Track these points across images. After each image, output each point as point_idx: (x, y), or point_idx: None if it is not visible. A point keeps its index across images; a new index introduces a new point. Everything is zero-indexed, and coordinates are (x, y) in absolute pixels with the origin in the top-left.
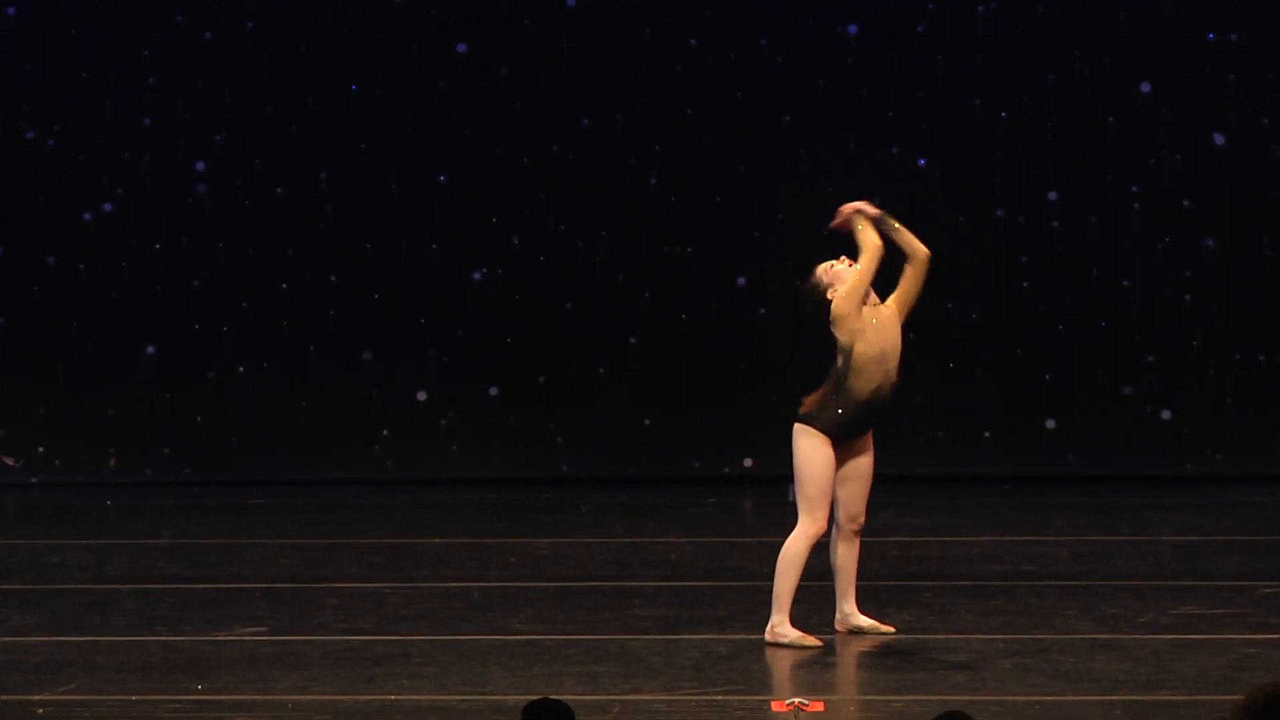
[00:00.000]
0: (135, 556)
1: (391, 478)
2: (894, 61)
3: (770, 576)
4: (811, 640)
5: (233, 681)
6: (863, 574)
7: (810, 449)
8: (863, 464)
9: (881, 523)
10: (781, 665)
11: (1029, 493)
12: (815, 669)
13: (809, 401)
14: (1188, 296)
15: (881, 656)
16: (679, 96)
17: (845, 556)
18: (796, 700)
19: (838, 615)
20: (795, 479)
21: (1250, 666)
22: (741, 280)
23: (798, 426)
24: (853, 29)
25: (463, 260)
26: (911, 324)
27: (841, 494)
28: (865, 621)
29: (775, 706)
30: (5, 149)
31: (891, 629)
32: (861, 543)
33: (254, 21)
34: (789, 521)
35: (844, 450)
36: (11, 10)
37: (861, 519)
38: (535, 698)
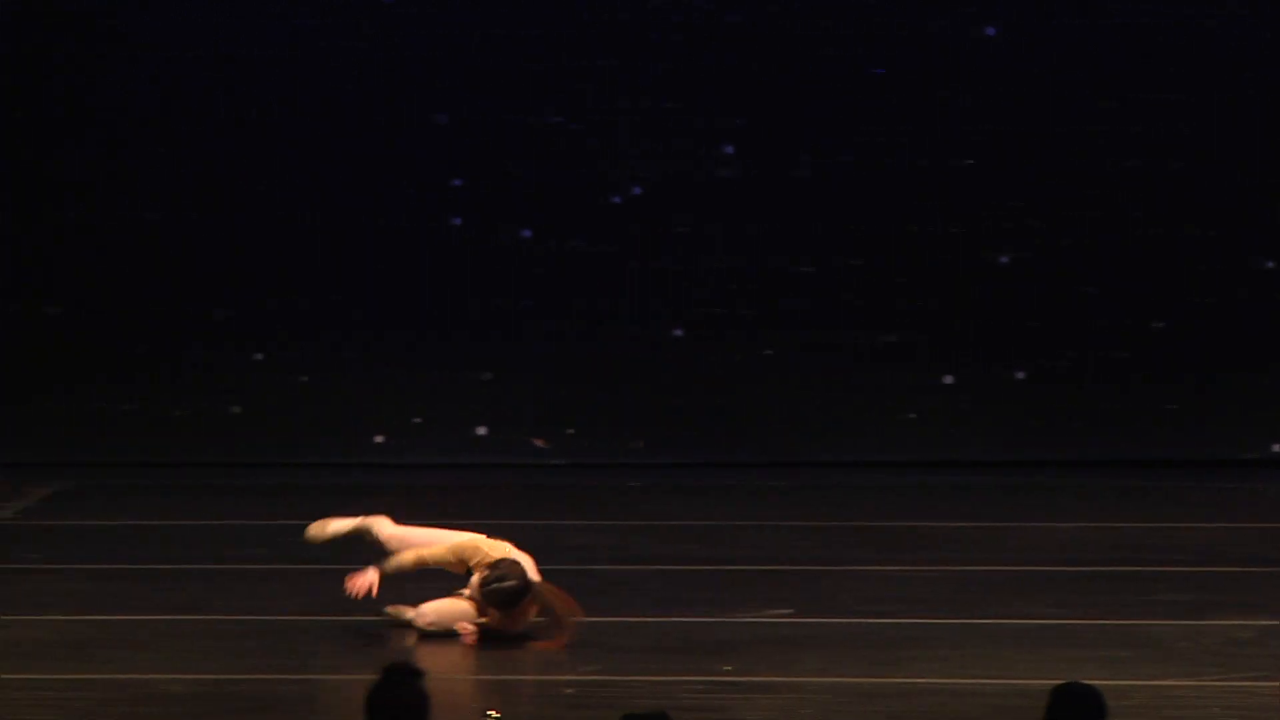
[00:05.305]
0: (660, 537)
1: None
2: None
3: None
4: None
5: (756, 662)
6: None
7: None
8: None
9: None
10: None
11: None
12: None
13: None
14: None
15: None
16: None
17: None
18: None
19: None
20: None
21: None
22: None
23: None
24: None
25: None
26: None
27: None
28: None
29: None
30: (532, 134)
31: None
32: None
33: None
34: None
35: None
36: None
37: None
38: (1060, 682)
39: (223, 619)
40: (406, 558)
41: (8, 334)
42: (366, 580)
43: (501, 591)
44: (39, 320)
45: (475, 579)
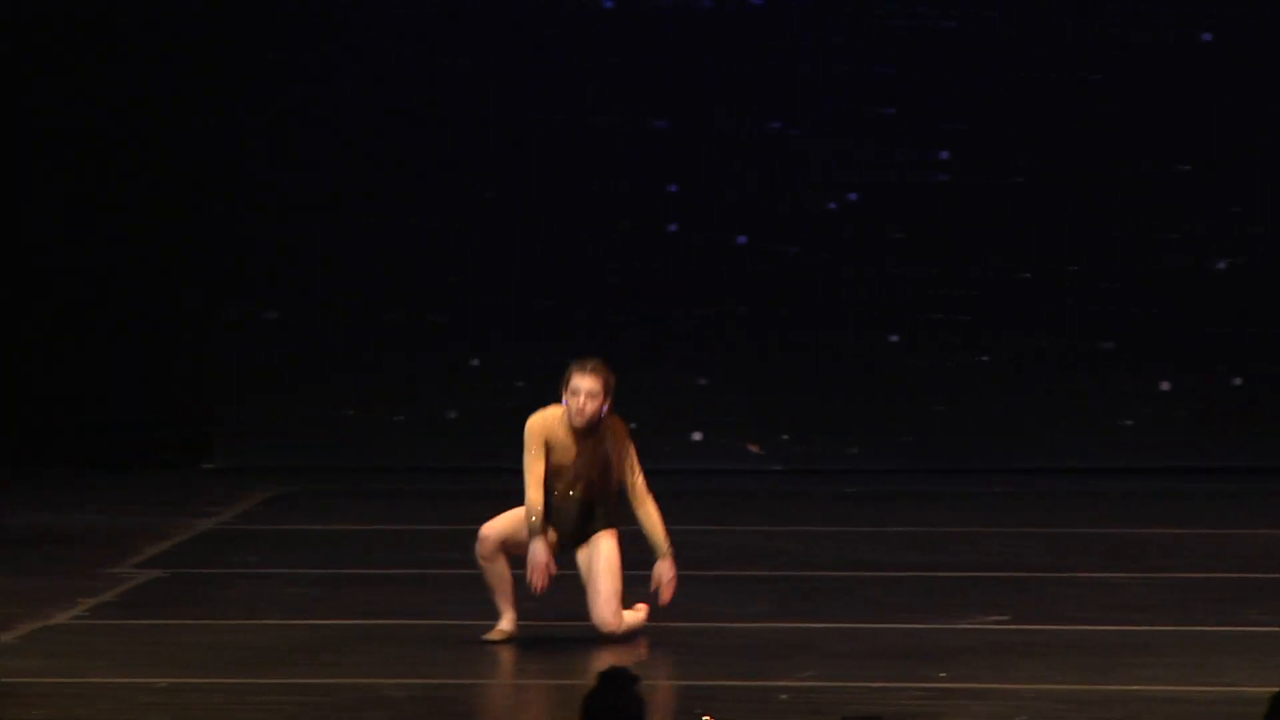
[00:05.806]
0: (875, 543)
1: (1131, 466)
2: None
3: None
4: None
5: (971, 669)
6: None
7: None
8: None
9: None
10: None
11: None
12: None
13: None
14: None
15: None
16: None
17: None
18: None
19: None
20: None
21: None
22: None
23: None
24: None
25: None
26: None
27: None
28: None
29: None
30: (754, 141)
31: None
32: None
33: None
34: None
35: None
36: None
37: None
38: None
39: (439, 624)
40: (536, 499)
41: (227, 340)
42: (543, 568)
43: (588, 363)
44: (258, 326)
45: (578, 390)
